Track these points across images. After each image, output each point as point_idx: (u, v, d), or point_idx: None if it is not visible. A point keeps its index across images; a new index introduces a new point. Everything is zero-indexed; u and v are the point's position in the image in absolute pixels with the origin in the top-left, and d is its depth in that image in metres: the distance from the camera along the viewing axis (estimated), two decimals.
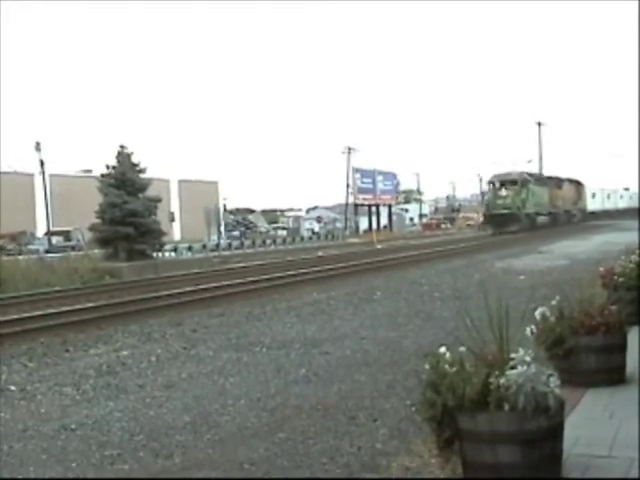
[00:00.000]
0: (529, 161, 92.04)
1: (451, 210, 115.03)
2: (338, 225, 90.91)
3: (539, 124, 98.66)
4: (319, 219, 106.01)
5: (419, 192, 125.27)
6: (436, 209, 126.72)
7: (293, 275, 26.66)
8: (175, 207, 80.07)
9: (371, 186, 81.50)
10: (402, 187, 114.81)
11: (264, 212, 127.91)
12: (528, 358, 4.63)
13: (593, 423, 6.05)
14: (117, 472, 6.62)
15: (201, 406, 8.73)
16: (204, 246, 52.65)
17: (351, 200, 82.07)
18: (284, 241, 69.18)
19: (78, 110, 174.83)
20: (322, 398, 8.76)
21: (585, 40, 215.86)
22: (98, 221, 38.23)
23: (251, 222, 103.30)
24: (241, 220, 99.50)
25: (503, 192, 61.52)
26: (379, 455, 6.53)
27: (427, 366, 5.01)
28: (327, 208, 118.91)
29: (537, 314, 7.14)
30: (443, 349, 4.99)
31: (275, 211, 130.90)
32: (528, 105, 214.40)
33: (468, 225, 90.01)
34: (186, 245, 52.57)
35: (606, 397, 6.85)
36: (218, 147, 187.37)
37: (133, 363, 11.76)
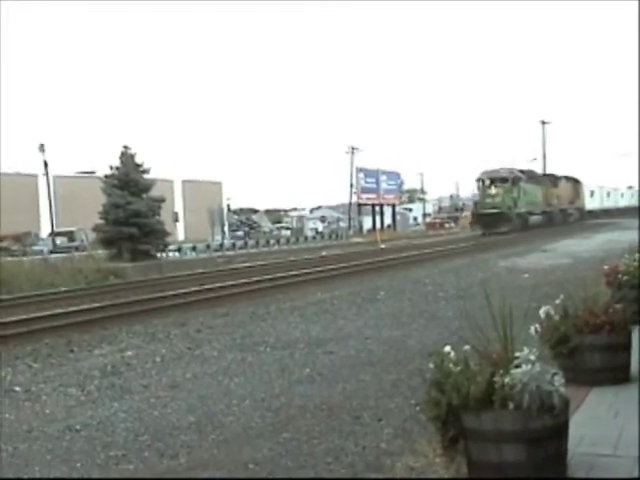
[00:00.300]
0: (533, 159, 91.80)
1: (455, 209, 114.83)
2: (342, 225, 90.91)
3: (543, 123, 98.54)
4: (323, 219, 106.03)
5: (423, 191, 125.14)
6: (440, 208, 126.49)
7: (297, 275, 26.66)
8: (179, 207, 79.97)
9: (375, 186, 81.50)
10: (406, 186, 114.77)
11: (268, 212, 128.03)
12: (532, 357, 4.63)
13: (598, 422, 6.04)
14: (122, 472, 6.62)
15: (206, 406, 8.74)
16: (208, 246, 52.72)
17: (355, 200, 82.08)
18: (288, 241, 69.23)
19: (81, 111, 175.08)
20: (326, 398, 8.76)
21: (588, 38, 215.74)
22: (102, 222, 38.29)
23: (255, 222, 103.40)
24: (245, 220, 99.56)
25: (492, 190, 58.39)
26: (384, 455, 6.53)
27: (431, 365, 5.01)
28: (331, 208, 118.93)
29: (541, 313, 7.13)
30: (447, 348, 4.99)
31: (279, 211, 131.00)
32: (532, 104, 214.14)
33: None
34: (190, 245, 52.65)
35: (611, 396, 6.85)
36: (222, 147, 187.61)
37: (138, 363, 11.77)
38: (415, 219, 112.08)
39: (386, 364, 10.51)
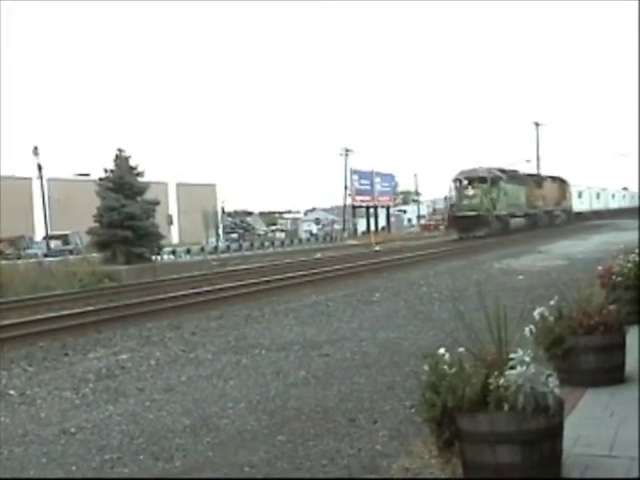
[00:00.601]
0: (527, 161, 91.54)
1: None
2: (336, 227, 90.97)
3: (537, 124, 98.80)
4: (317, 221, 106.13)
5: (417, 193, 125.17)
6: (434, 210, 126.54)
7: (292, 277, 26.67)
8: (173, 210, 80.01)
9: (369, 187, 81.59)
10: (400, 188, 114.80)
11: (262, 214, 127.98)
12: (527, 358, 4.63)
13: (593, 423, 6.05)
14: (117, 476, 6.62)
15: (201, 409, 8.73)
16: (202, 249, 52.73)
17: (349, 202, 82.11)
18: (282, 243, 69.25)
19: (75, 114, 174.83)
20: (322, 400, 8.77)
21: (585, 39, 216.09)
22: (96, 225, 38.26)
23: (249, 224, 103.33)
24: (239, 222, 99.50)
25: (470, 191, 54.21)
26: (379, 457, 6.54)
27: (426, 367, 5.01)
28: (325, 210, 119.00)
29: (536, 314, 7.14)
30: (442, 350, 4.99)
31: (273, 213, 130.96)
32: (527, 105, 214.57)
33: None
34: (184, 248, 52.61)
35: (606, 397, 6.86)
36: (216, 150, 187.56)
37: (132, 366, 11.76)
38: (409, 221, 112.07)
39: (381, 366, 10.52)
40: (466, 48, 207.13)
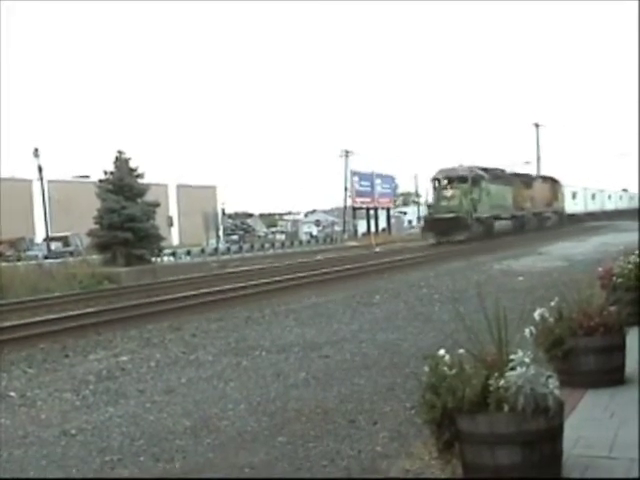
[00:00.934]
0: (526, 163, 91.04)
1: None
2: (336, 228, 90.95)
3: (537, 125, 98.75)
4: (317, 223, 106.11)
5: (417, 195, 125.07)
6: None
7: (292, 279, 26.66)
8: (173, 212, 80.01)
9: (369, 189, 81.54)
10: (400, 190, 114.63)
11: (262, 216, 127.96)
12: (527, 359, 4.64)
13: (593, 424, 6.05)
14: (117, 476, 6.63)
15: (201, 411, 8.74)
16: (203, 250, 52.71)
17: (349, 203, 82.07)
18: (283, 245, 69.22)
19: (76, 116, 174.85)
20: (322, 401, 8.77)
21: (584, 40, 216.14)
22: (96, 226, 38.27)
23: (249, 226, 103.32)
24: (239, 224, 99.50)
25: (448, 192, 49.97)
26: (379, 458, 6.54)
27: (426, 368, 5.01)
28: (325, 212, 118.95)
29: (536, 315, 7.14)
30: (442, 351, 5.00)
31: (273, 215, 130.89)
32: (527, 107, 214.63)
33: None
34: (185, 250, 52.60)
35: (606, 398, 6.86)
36: (216, 152, 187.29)
37: (133, 368, 11.76)
38: (410, 222, 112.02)
39: (381, 367, 10.53)
40: (466, 49, 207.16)
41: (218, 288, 24.28)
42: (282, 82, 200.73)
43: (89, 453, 7.33)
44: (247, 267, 36.69)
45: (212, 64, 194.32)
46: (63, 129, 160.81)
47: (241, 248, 60.54)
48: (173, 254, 48.46)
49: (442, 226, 48.23)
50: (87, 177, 65.68)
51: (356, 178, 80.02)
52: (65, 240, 57.56)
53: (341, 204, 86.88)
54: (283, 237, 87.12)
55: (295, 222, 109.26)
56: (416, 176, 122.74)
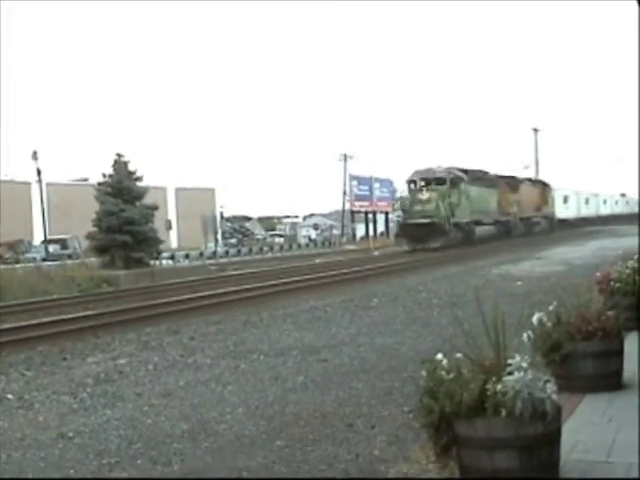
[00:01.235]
0: (525, 167, 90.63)
1: None
2: (335, 232, 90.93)
3: (535, 130, 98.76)
4: (316, 226, 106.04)
5: None
6: None
7: (290, 282, 26.65)
8: (172, 215, 79.91)
9: (368, 193, 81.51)
10: (399, 193, 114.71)
11: (261, 219, 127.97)
12: (525, 364, 4.65)
13: (591, 429, 6.06)
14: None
15: (199, 414, 8.73)
16: (201, 254, 52.74)
17: (348, 207, 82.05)
18: (281, 248, 69.28)
19: (75, 119, 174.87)
20: (320, 405, 8.77)
21: (584, 44, 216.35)
22: (95, 229, 38.25)
23: (248, 229, 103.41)
24: (238, 227, 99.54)
25: (424, 195, 46.07)
26: (377, 462, 6.54)
27: (424, 373, 5.02)
28: (324, 215, 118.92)
29: (534, 320, 7.14)
30: (440, 356, 5.00)
31: (272, 218, 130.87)
32: (525, 112, 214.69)
33: None
34: (183, 253, 52.62)
35: (604, 403, 6.87)
36: (215, 155, 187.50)
37: (131, 371, 11.76)
38: None
39: (379, 371, 10.53)
40: (464, 54, 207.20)
41: (216, 291, 24.28)
42: (281, 86, 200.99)
43: (86, 456, 7.33)
44: (245, 270, 36.68)
45: (211, 67, 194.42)
46: (62, 132, 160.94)
47: (239, 251, 60.63)
48: (172, 257, 48.47)
49: (417, 232, 44.65)
50: (86, 180, 65.69)
51: (355, 182, 79.99)
52: (63, 243, 57.53)
53: (340, 208, 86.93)
54: (281, 240, 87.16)
55: (293, 225, 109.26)
56: None
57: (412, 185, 48.28)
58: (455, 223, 45.81)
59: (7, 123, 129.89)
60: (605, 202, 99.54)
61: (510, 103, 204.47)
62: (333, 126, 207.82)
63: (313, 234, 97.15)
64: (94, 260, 37.98)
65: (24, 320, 18.98)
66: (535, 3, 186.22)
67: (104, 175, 39.14)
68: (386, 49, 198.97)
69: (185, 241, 76.10)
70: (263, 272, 34.24)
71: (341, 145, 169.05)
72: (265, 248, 67.51)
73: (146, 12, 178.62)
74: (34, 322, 18.11)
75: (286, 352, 12.61)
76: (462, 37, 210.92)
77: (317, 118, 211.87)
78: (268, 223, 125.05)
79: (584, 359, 7.25)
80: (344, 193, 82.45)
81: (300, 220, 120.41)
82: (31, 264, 40.28)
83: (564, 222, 74.37)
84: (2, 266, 37.24)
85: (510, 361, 4.69)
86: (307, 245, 76.23)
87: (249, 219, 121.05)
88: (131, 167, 39.18)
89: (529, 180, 66.88)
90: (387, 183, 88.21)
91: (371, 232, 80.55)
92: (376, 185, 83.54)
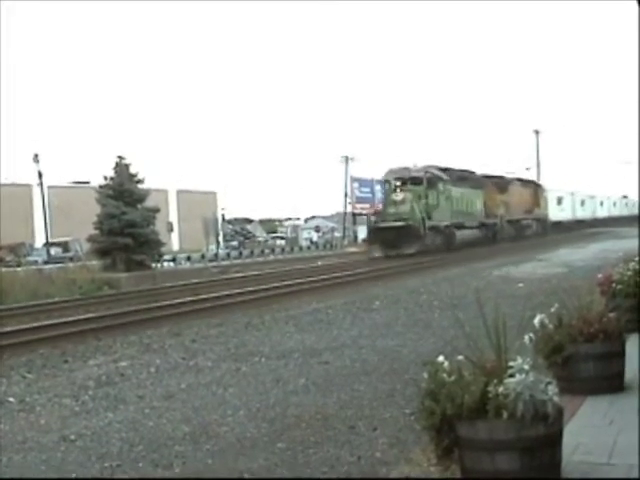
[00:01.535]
0: (527, 169, 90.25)
1: None
2: (336, 234, 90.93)
3: (536, 132, 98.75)
4: (317, 228, 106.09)
5: None
6: None
7: (291, 285, 26.65)
8: (173, 217, 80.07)
9: (369, 195, 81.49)
10: None
11: (262, 222, 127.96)
12: (526, 366, 4.65)
13: (592, 431, 6.06)
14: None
15: (200, 416, 8.73)
16: (203, 256, 52.75)
17: (349, 209, 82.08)
18: (282, 250, 69.30)
19: (75, 121, 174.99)
20: (321, 408, 8.77)
21: (586, 46, 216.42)
22: (96, 232, 38.29)
23: (249, 232, 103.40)
24: (239, 230, 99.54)
25: (399, 195, 42.62)
26: (379, 464, 6.54)
27: (426, 375, 5.02)
28: (325, 217, 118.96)
29: (536, 322, 7.14)
30: (441, 358, 5.00)
31: (273, 221, 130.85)
32: (527, 113, 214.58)
33: None
34: (185, 255, 52.64)
35: (605, 405, 6.86)
36: (216, 157, 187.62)
37: (132, 374, 11.75)
38: None
39: (381, 373, 10.53)
40: (466, 55, 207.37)
41: (218, 294, 24.27)
42: (282, 88, 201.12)
43: (88, 459, 7.33)
44: (247, 273, 36.69)
45: (212, 70, 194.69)
46: (63, 135, 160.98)
47: (241, 254, 60.61)
48: (173, 260, 48.51)
49: (389, 236, 41.08)
50: (87, 183, 65.76)
51: (356, 184, 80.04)
52: (65, 245, 57.70)
53: (341, 210, 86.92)
54: (283, 243, 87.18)
55: (295, 228, 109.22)
56: None
57: (386, 185, 45.47)
58: (433, 226, 42.47)
59: (8, 126, 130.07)
60: (602, 204, 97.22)
61: (512, 105, 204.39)
62: (334, 128, 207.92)
63: (314, 236, 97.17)
64: (95, 263, 38.02)
65: (25, 323, 18.97)
66: (536, 4, 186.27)
67: (105, 178, 39.21)
68: (388, 50, 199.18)
69: (187, 243, 76.17)
70: (264, 274, 34.23)
71: (342, 147, 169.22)
72: (266, 250, 67.50)
73: (147, 14, 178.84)
74: (35, 325, 18.11)
75: (288, 354, 12.61)
76: (464, 39, 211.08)
77: (318, 120, 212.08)
78: (269, 225, 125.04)
79: (586, 361, 7.25)
80: (345, 195, 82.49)
81: (301, 222, 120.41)
82: (33, 267, 40.38)
83: (558, 225, 72.02)
84: (3, 269, 37.27)
85: (512, 363, 4.69)
86: (308, 247, 76.29)
87: (250, 221, 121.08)
88: (132, 170, 39.26)
89: (519, 180, 63.56)
90: None
91: None
92: (377, 187, 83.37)
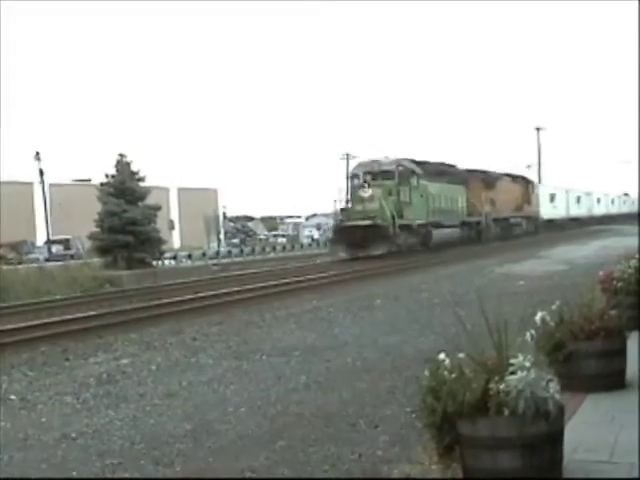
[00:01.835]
0: (528, 166, 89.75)
1: None
2: None
3: (538, 129, 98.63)
4: (318, 226, 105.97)
5: None
6: None
7: (293, 282, 26.64)
8: (175, 215, 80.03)
9: None
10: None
11: (263, 219, 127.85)
12: (528, 363, 4.64)
13: (593, 428, 6.05)
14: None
15: (201, 414, 8.73)
16: (204, 254, 52.68)
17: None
18: (284, 248, 69.22)
19: (77, 119, 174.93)
20: (322, 405, 8.77)
21: (588, 44, 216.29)
22: (97, 230, 38.29)
23: (250, 229, 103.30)
24: (240, 227, 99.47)
25: (367, 191, 38.37)
26: (380, 462, 6.53)
27: (427, 372, 5.01)
28: (326, 215, 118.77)
29: (537, 319, 7.14)
30: (442, 355, 5.00)
31: (274, 218, 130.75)
32: (529, 111, 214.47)
33: None
34: (186, 253, 52.61)
35: (606, 402, 6.86)
36: (217, 155, 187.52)
37: (133, 372, 11.75)
38: None
39: (382, 371, 10.52)
40: (467, 53, 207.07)
41: (219, 291, 24.27)
42: (283, 85, 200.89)
43: (89, 456, 7.33)
44: (248, 270, 36.66)
45: (213, 68, 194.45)
46: (64, 132, 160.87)
47: (242, 251, 60.54)
48: (174, 257, 48.47)
49: (355, 236, 37.04)
50: (88, 180, 65.74)
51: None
52: (66, 243, 57.65)
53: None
54: (284, 240, 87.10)
55: (296, 225, 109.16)
56: None
57: (354, 180, 40.91)
58: (404, 225, 38.37)
59: (9, 124, 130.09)
60: (599, 201, 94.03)
61: (513, 102, 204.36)
62: (335, 125, 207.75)
63: (316, 234, 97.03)
64: (97, 260, 38.02)
65: (27, 320, 18.97)
66: (537, 3, 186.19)
67: (107, 175, 39.18)
68: (389, 48, 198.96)
69: (188, 241, 76.07)
70: (265, 272, 34.23)
71: (343, 144, 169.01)
72: (267, 248, 67.46)
73: (147, 13, 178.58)
74: (37, 322, 18.11)
75: (289, 352, 12.60)
76: (465, 36, 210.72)
77: (319, 117, 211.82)
78: (270, 223, 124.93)
79: (587, 358, 7.25)
80: (347, 193, 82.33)
81: (302, 220, 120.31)
82: (34, 264, 40.37)
83: (551, 223, 69.05)
84: (5, 267, 37.27)
85: (513, 360, 4.68)
86: (310, 245, 76.16)
87: (251, 219, 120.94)
88: (134, 167, 39.23)
89: (508, 176, 59.22)
90: None
91: None
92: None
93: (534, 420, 4.48)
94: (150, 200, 39.64)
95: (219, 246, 59.21)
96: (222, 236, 69.33)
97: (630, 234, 41.35)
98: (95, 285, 30.47)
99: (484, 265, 31.12)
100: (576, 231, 66.70)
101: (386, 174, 39.52)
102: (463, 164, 51.95)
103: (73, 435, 8.15)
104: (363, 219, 37.14)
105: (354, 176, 41.11)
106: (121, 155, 39.05)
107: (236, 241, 79.45)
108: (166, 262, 43.90)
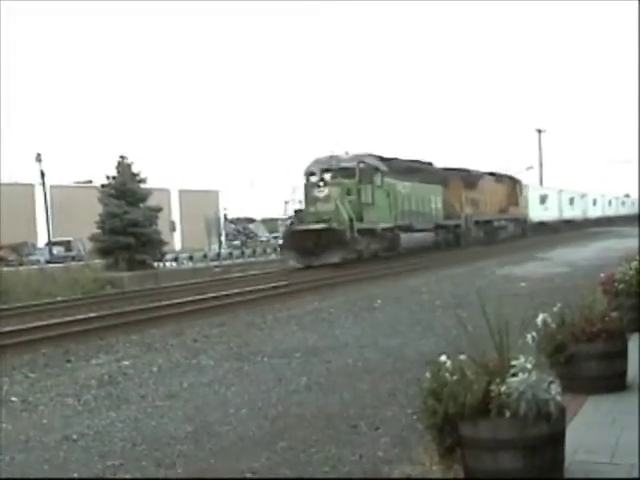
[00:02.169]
0: (529, 168, 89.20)
1: None
2: None
3: (539, 131, 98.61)
4: None
5: None
6: None
7: (294, 284, 26.64)
8: (176, 217, 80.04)
9: None
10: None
11: (264, 221, 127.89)
12: (529, 365, 4.65)
13: (595, 430, 6.06)
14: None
15: (202, 416, 8.73)
16: (205, 255, 52.64)
17: None
18: None
19: (78, 121, 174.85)
20: (323, 407, 8.77)
21: (588, 46, 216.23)
22: (99, 231, 38.32)
23: (251, 231, 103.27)
24: (242, 229, 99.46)
25: (322, 191, 33.88)
26: (381, 463, 6.53)
27: (428, 374, 5.02)
28: None
29: (538, 321, 7.15)
30: (443, 357, 5.00)
31: (275, 220, 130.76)
32: (530, 112, 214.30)
33: None
34: (187, 255, 52.60)
35: (607, 404, 6.86)
36: (218, 157, 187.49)
37: (134, 373, 11.75)
38: None
39: (383, 373, 10.52)
40: (467, 54, 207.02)
41: (220, 293, 24.26)
42: (282, 87, 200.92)
43: (91, 458, 7.33)
44: (249, 272, 36.65)
45: (213, 68, 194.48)
46: (66, 134, 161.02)
47: (243, 253, 60.48)
48: (175, 259, 48.47)
49: (307, 242, 32.94)
50: (90, 182, 65.78)
51: None
52: (67, 245, 57.66)
53: None
54: None
55: None
56: None
57: (311, 178, 35.89)
58: (365, 229, 34.25)
59: (10, 125, 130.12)
60: (595, 202, 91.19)
61: (514, 103, 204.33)
62: (334, 126, 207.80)
63: None
64: (98, 262, 38.05)
65: (28, 322, 18.97)
66: (538, 3, 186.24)
67: (108, 177, 39.25)
68: (388, 47, 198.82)
69: (189, 243, 76.01)
70: (267, 274, 34.21)
71: (343, 146, 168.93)
72: (268, 250, 67.41)
73: (148, 13, 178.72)
74: (38, 324, 18.11)
75: (290, 354, 12.61)
76: (465, 37, 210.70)
77: (318, 118, 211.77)
78: (271, 225, 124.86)
79: (588, 360, 7.26)
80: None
81: None
82: (35, 266, 40.36)
83: (542, 226, 65.62)
84: (6, 268, 37.30)
85: (514, 362, 4.69)
86: None
87: (253, 221, 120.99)
88: (135, 169, 39.30)
89: (492, 175, 54.93)
90: None
91: None
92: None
93: (535, 422, 4.49)
94: (151, 202, 39.71)
95: (220, 248, 59.15)
96: (223, 238, 69.33)
97: (631, 235, 41.35)
98: (96, 287, 30.48)
99: (485, 267, 31.10)
100: (575, 233, 66.43)
101: (346, 171, 35.12)
102: (466, 165, 51.18)
103: (74, 436, 8.15)
104: (316, 222, 33.05)
105: (310, 174, 36.09)
106: (122, 157, 39.15)
107: (237, 243, 79.43)
108: (167, 264, 43.91)
